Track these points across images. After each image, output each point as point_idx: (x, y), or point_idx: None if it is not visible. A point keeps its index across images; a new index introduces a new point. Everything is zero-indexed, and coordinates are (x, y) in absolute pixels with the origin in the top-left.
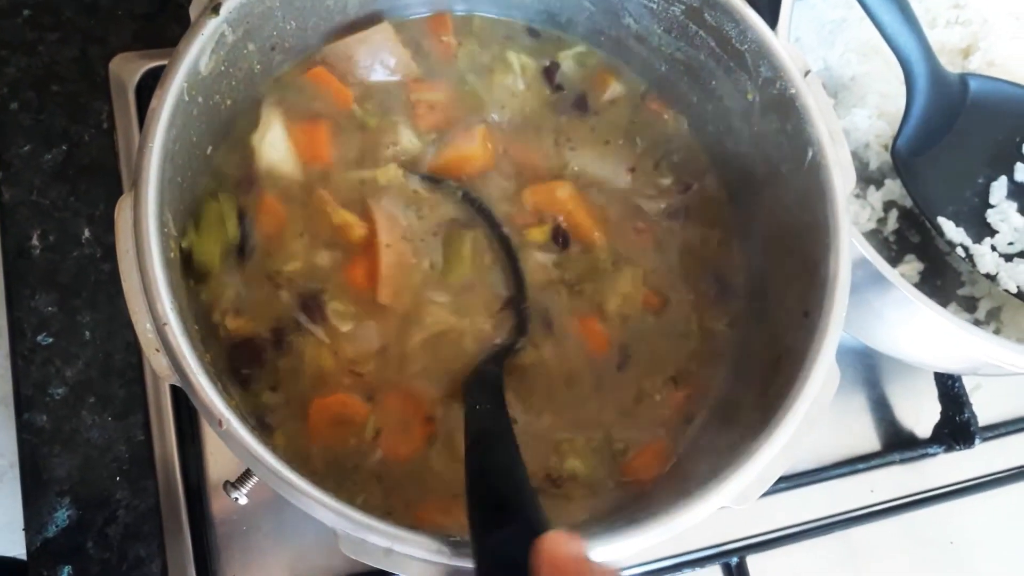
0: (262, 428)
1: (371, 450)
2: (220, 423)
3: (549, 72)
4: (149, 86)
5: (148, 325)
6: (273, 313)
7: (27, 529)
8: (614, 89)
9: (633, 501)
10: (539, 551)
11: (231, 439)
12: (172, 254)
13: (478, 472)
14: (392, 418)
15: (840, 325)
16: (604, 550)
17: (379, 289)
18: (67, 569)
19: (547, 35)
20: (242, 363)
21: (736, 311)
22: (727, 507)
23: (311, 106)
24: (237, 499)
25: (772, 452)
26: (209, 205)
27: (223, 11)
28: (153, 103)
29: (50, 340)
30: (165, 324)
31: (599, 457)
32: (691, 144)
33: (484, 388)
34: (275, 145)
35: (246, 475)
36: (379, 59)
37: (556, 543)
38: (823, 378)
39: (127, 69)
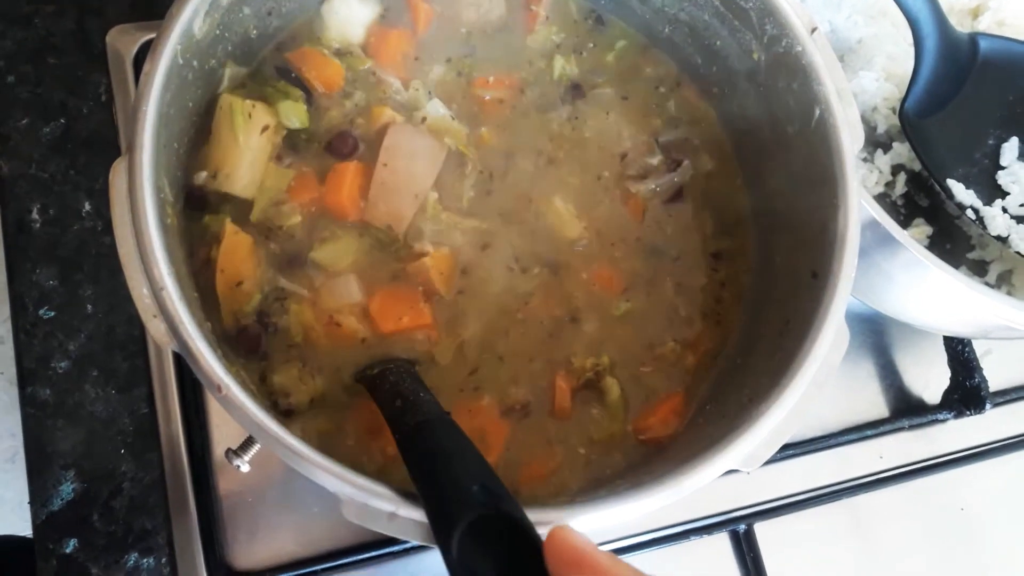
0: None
1: None
2: (219, 389)
3: None
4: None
5: (145, 291)
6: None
7: (32, 502)
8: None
9: (643, 463)
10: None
11: (232, 405)
12: (169, 220)
13: (430, 462)
14: None
15: (849, 284)
16: (612, 512)
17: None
18: (73, 542)
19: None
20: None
21: (744, 271)
22: (736, 470)
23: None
24: (239, 466)
25: (781, 413)
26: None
27: None
28: (146, 66)
29: (52, 314)
30: (162, 289)
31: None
32: (717, 133)
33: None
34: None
35: (248, 442)
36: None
37: (564, 538)
38: (832, 338)
39: (124, 41)
